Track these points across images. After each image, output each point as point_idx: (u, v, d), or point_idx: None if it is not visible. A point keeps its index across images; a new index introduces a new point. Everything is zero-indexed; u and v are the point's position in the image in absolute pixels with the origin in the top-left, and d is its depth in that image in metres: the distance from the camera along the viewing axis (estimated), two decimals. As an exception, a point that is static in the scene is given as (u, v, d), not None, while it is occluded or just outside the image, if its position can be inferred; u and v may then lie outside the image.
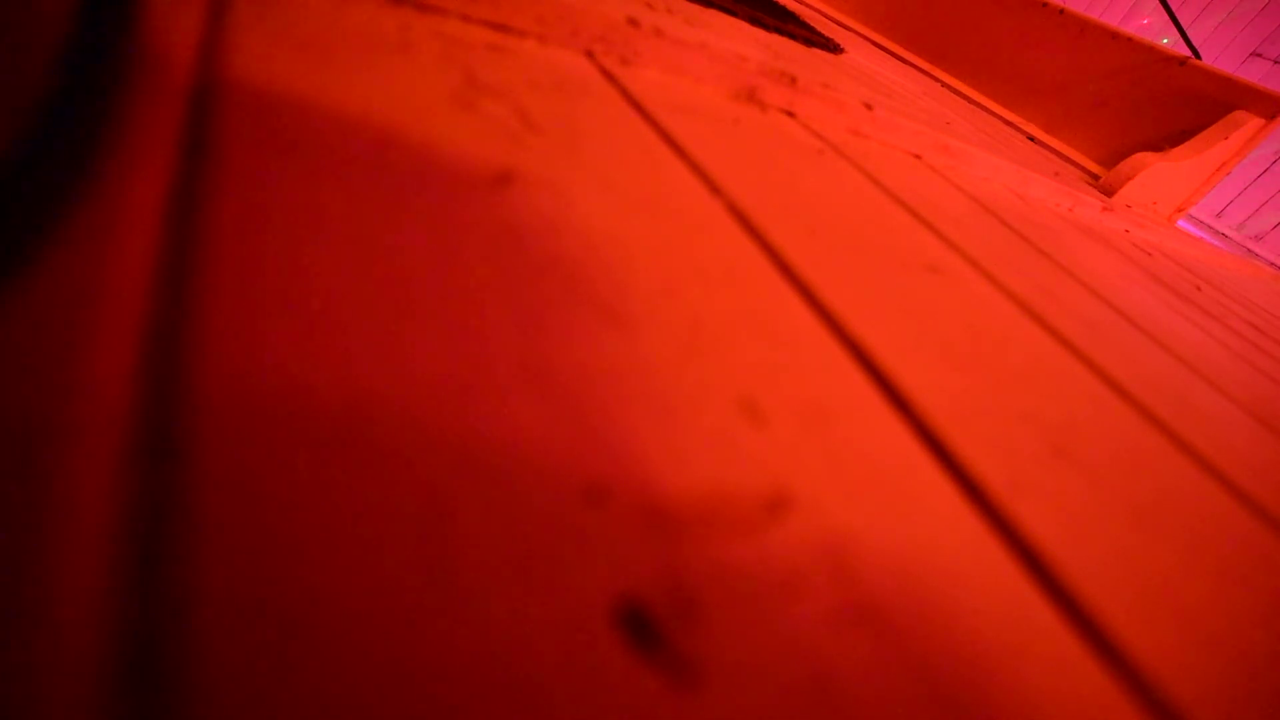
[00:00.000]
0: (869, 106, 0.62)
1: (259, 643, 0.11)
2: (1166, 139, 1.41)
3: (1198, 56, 1.43)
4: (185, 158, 0.20)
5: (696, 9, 0.81)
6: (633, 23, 0.48)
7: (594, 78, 0.43)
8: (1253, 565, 0.28)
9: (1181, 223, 1.57)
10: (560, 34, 0.45)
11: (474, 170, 0.27)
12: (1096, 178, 1.34)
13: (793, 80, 0.56)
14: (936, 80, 1.68)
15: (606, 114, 0.38)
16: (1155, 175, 1.28)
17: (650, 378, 0.21)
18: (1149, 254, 0.88)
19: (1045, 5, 1.64)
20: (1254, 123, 1.34)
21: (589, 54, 0.47)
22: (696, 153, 0.38)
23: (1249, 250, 4.65)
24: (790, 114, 0.56)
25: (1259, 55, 4.59)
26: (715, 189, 0.35)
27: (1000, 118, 1.57)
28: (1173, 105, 1.44)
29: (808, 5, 1.85)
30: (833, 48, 1.12)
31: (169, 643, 0.11)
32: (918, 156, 0.66)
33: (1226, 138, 1.34)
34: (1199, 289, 0.84)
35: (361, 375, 0.16)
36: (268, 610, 0.11)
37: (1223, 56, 4.67)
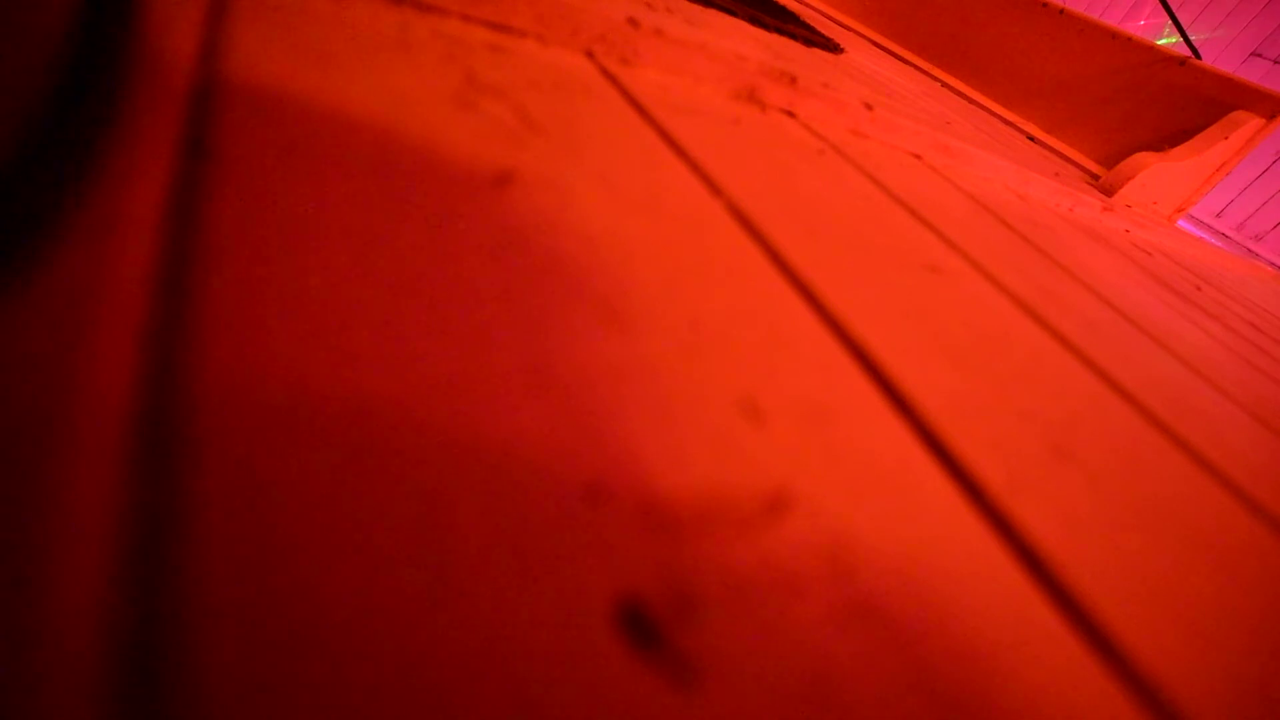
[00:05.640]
0: (869, 106, 0.62)
1: (259, 643, 0.11)
2: (1166, 139, 1.41)
3: (1198, 56, 1.43)
4: (185, 158, 0.20)
5: (696, 9, 0.81)
6: (633, 23, 0.48)
7: (594, 78, 0.43)
8: (1253, 565, 0.28)
9: (1181, 223, 1.57)
10: (560, 34, 0.45)
11: (474, 170, 0.27)
12: (1096, 178, 1.34)
13: (793, 80, 0.56)
14: (936, 80, 1.68)
15: (606, 114, 0.38)
16: (1155, 175, 1.28)
17: (650, 377, 0.21)
18: (1149, 254, 0.88)
19: (1045, 5, 1.64)
20: (1254, 123, 1.34)
21: (589, 54, 0.47)
22: (696, 153, 0.38)
23: (1249, 250, 4.65)
24: (790, 114, 0.56)
25: (1259, 55, 4.59)
26: (715, 189, 0.35)
27: (1000, 118, 1.57)
28: (1173, 105, 1.44)
29: (808, 5, 1.85)
30: (833, 48, 1.12)
31: (169, 643, 0.11)
32: (918, 156, 0.66)
33: (1226, 138, 1.34)
34: (1199, 289, 0.84)
35: (361, 375, 0.16)
36: (268, 610, 0.11)
37: (1223, 56, 4.67)
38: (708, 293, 0.26)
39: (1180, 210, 1.41)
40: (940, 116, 1.03)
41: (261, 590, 0.12)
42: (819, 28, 1.30)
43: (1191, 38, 1.51)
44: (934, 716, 0.15)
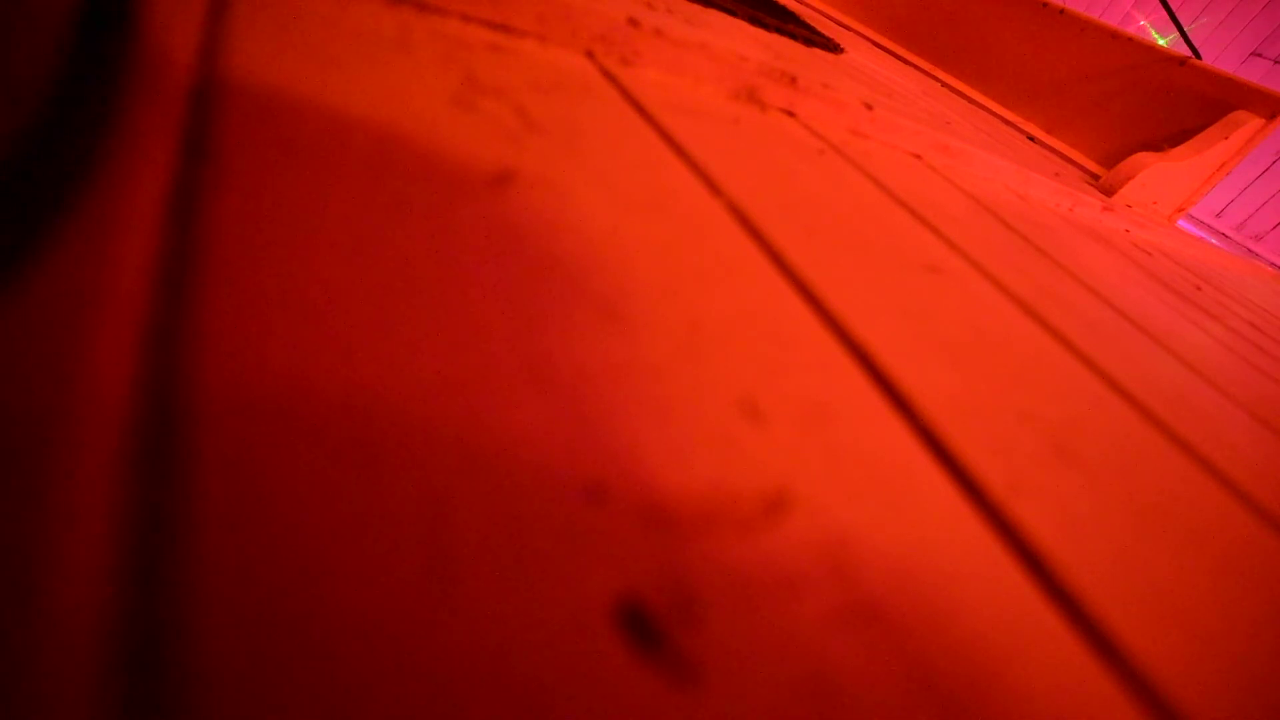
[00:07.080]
0: (869, 106, 0.62)
1: (259, 643, 0.11)
2: (1166, 139, 1.41)
3: (1198, 56, 1.43)
4: (185, 158, 0.20)
5: (696, 9, 0.81)
6: (633, 23, 0.48)
7: (594, 78, 0.43)
8: (1253, 565, 0.28)
9: (1181, 223, 1.57)
10: (560, 34, 0.45)
11: (474, 170, 0.27)
12: (1096, 178, 1.34)
13: (793, 80, 0.56)
14: (936, 80, 1.68)
15: (606, 114, 0.38)
16: (1155, 175, 1.28)
17: (650, 377, 0.21)
18: (1149, 254, 0.88)
19: (1045, 5, 1.64)
20: (1254, 123, 1.34)
21: (589, 54, 0.47)
22: (696, 153, 0.38)
23: (1249, 250, 4.65)
24: (790, 114, 0.56)
25: (1259, 55, 4.59)
26: (715, 189, 0.35)
27: (1000, 118, 1.57)
28: (1173, 105, 1.44)
29: (808, 5, 1.85)
30: (833, 48, 1.12)
31: (170, 644, 0.11)
32: (918, 156, 0.66)
33: (1226, 138, 1.34)
34: (1199, 289, 0.84)
35: (361, 375, 0.16)
36: (268, 610, 0.11)
37: (1223, 56, 4.67)
38: (708, 292, 0.26)
39: (1180, 210, 1.41)
40: (940, 116, 1.03)
41: (261, 590, 0.12)
42: (819, 28, 1.30)
43: (1189, 29, 1.51)
44: (934, 716, 0.15)
